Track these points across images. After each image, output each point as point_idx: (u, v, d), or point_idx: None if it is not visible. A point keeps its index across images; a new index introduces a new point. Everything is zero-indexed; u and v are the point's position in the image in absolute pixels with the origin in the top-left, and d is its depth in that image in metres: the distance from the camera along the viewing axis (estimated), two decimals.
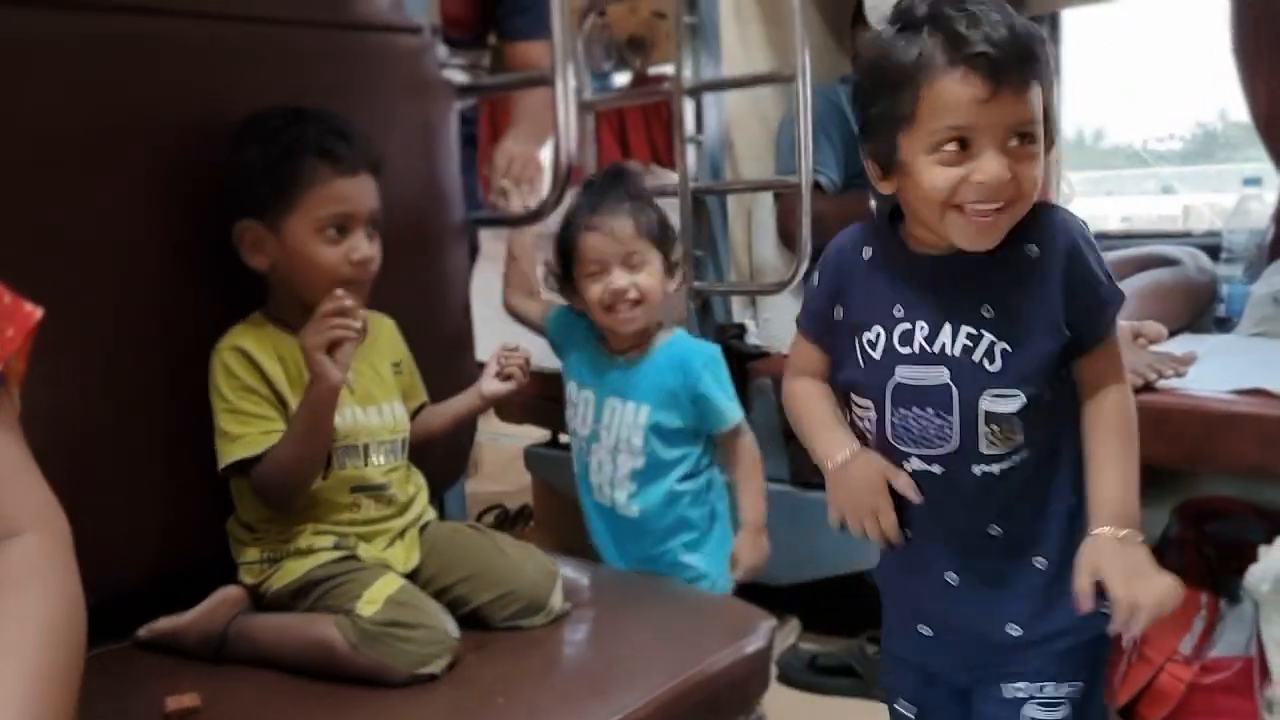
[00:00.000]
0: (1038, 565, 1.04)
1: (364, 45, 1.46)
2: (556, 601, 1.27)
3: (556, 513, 2.63)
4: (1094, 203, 3.62)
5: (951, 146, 0.90)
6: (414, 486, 1.37)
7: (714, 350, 1.51)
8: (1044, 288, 0.96)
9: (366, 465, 1.30)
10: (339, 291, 1.19)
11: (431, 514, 1.39)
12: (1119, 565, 0.94)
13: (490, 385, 1.43)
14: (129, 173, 1.23)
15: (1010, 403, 0.98)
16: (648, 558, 1.50)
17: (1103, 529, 0.97)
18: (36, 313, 0.78)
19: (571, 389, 1.55)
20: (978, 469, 1.00)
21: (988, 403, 0.98)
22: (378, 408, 1.33)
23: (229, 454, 1.23)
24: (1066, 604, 0.99)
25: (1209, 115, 3.09)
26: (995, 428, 0.98)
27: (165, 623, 1.23)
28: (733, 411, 1.49)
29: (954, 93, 0.88)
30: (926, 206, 0.94)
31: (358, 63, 1.44)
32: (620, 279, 1.42)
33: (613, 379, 1.49)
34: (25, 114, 1.15)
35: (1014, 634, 1.05)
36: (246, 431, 1.23)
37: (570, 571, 1.41)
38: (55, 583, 0.74)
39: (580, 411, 1.53)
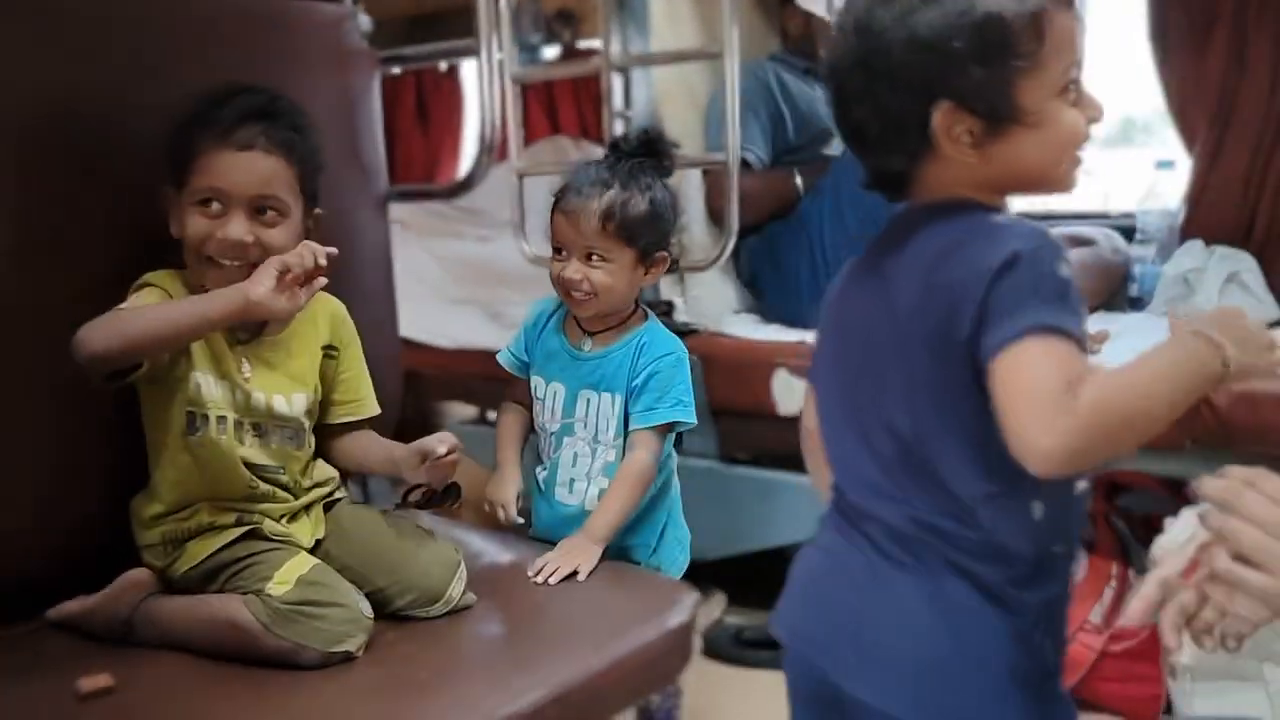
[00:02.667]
0: None
1: (284, 14, 1.43)
2: (455, 592, 1.24)
3: (481, 491, 2.62)
4: (1024, 204, 3.70)
5: (1073, 86, 0.88)
6: (316, 476, 1.34)
7: (680, 347, 1.45)
8: None
9: (262, 447, 1.27)
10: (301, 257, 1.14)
11: (341, 492, 1.37)
12: None
13: (414, 477, 1.30)
14: (37, 142, 1.19)
15: None
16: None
17: None
18: None
19: (539, 384, 1.48)
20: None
21: None
22: (285, 397, 1.29)
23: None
24: None
25: (1127, 101, 3.17)
26: None
27: (72, 605, 1.21)
28: (661, 414, 1.41)
29: (1070, 29, 0.87)
30: (1060, 151, 0.89)
31: (277, 32, 1.42)
32: (574, 270, 1.38)
33: (584, 370, 1.44)
34: None
35: None
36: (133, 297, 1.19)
37: (491, 547, 1.40)
38: None
39: (549, 406, 1.46)
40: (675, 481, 1.52)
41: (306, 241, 1.18)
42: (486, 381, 2.50)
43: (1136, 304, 2.18)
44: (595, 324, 1.44)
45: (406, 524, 1.31)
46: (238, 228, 1.19)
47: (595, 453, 1.44)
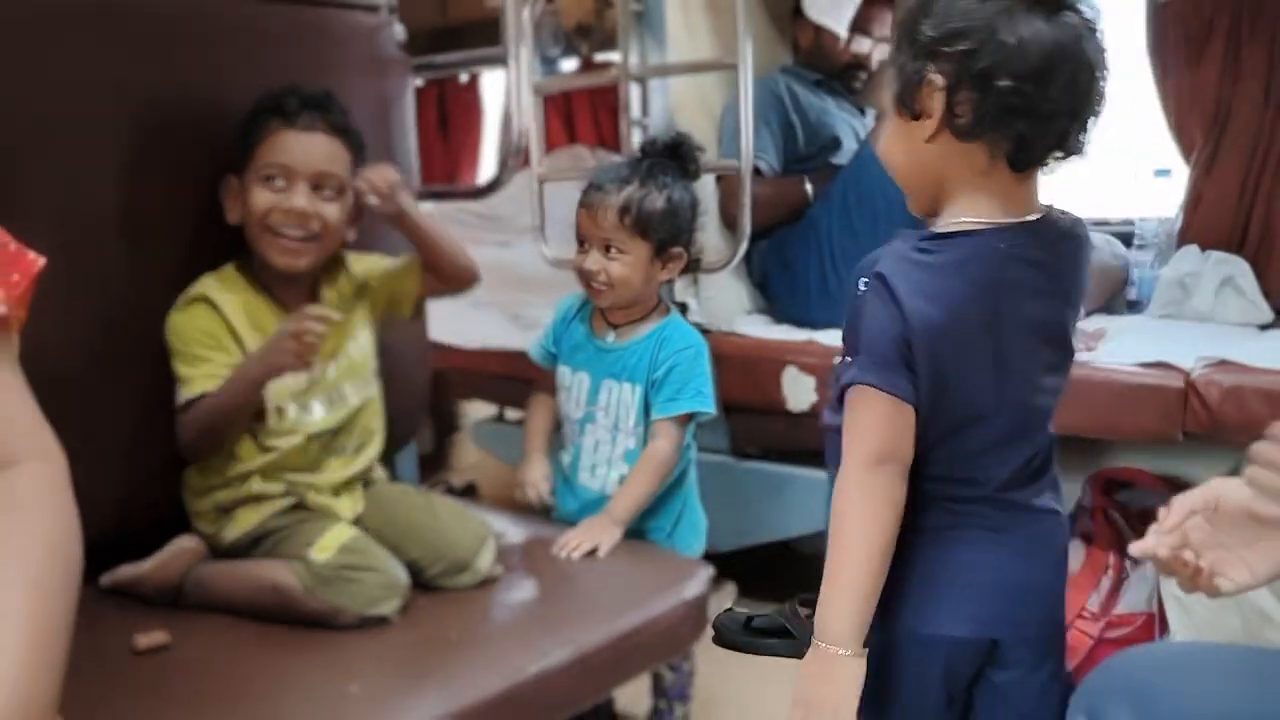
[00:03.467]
0: None
1: (325, 22, 1.51)
2: (484, 564, 1.32)
3: (501, 486, 2.70)
4: None
5: None
6: (367, 432, 1.43)
7: (700, 341, 1.52)
8: None
9: (330, 412, 1.36)
10: (313, 310, 1.25)
11: (380, 472, 1.46)
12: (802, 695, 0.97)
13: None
14: (93, 142, 1.27)
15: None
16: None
17: None
18: (40, 261, 0.83)
19: (564, 372, 1.56)
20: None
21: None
22: (335, 359, 1.38)
23: (181, 394, 1.29)
24: None
25: (1129, 115, 3.23)
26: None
27: (125, 571, 1.28)
28: (682, 404, 1.48)
29: None
30: None
31: (319, 39, 1.50)
32: (593, 261, 1.46)
33: (608, 360, 1.52)
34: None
35: None
36: (193, 374, 1.28)
37: (517, 528, 1.48)
38: (55, 506, 0.80)
39: (574, 394, 1.54)
40: (693, 470, 1.60)
41: (319, 311, 1.26)
42: (507, 380, 2.59)
43: (1134, 306, 2.25)
44: (618, 316, 1.52)
45: (439, 500, 1.39)
46: (300, 198, 1.30)
47: (615, 440, 1.51)
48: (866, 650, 0.93)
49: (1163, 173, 2.33)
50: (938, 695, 1.02)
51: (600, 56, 3.33)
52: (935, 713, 1.03)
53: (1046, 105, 0.87)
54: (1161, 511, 0.95)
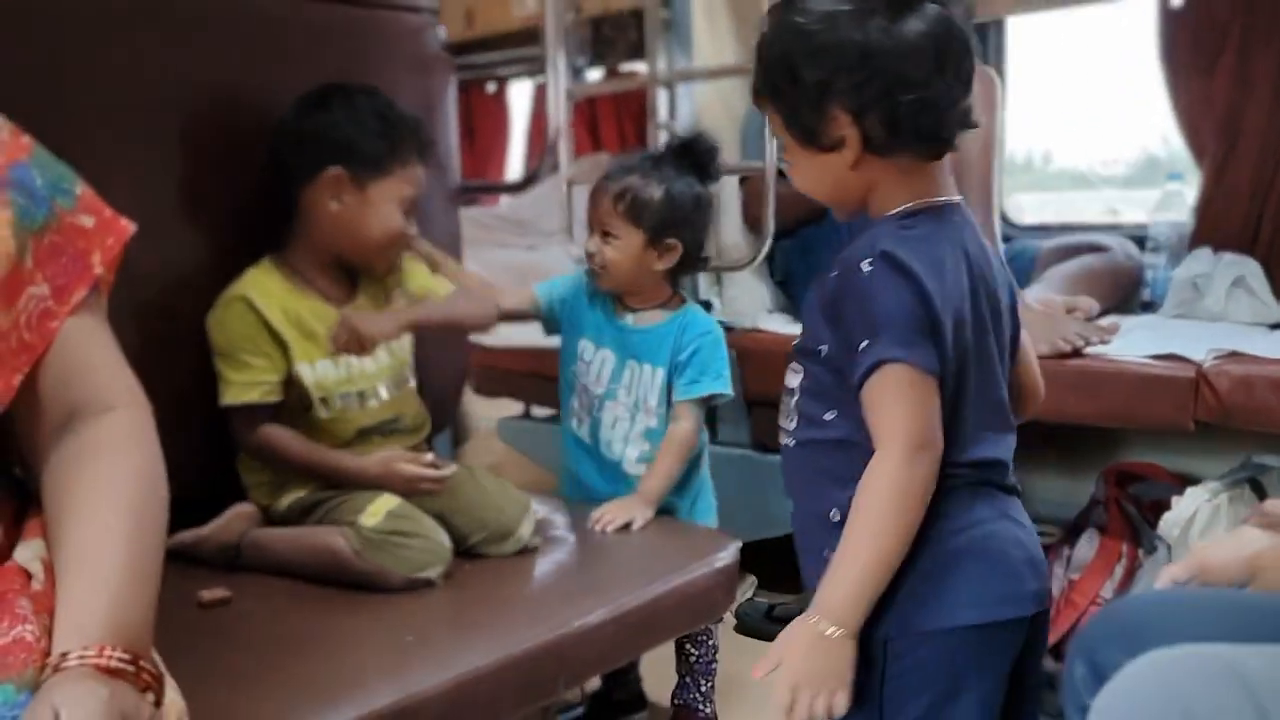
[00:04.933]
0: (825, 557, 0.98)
1: (373, 21, 1.59)
2: (525, 532, 1.38)
3: (525, 483, 2.77)
4: (1045, 219, 3.78)
5: None
6: (419, 411, 1.51)
7: (718, 327, 1.58)
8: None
9: (364, 408, 1.43)
10: (429, 475, 1.36)
11: (429, 455, 1.52)
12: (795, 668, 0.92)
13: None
14: (153, 134, 1.35)
15: (793, 378, 1.04)
16: None
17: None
18: (131, 226, 0.91)
19: (587, 347, 1.60)
20: (782, 439, 1.07)
21: (787, 375, 1.06)
22: (386, 347, 1.46)
23: (223, 396, 1.37)
24: None
25: (1152, 140, 3.26)
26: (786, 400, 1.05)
27: (186, 535, 1.34)
28: (704, 386, 1.54)
29: None
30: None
31: (367, 37, 1.58)
32: (591, 244, 1.54)
33: (631, 342, 1.58)
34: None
35: None
36: (235, 379, 1.36)
37: (551, 509, 1.54)
38: (146, 449, 0.87)
39: (596, 369, 1.59)
40: (706, 451, 1.67)
41: (439, 473, 1.38)
42: (532, 378, 2.65)
43: (1148, 307, 2.31)
44: (632, 301, 1.59)
45: (482, 472, 1.45)
46: (412, 225, 1.44)
47: (634, 418, 1.58)
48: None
49: (1175, 176, 2.39)
50: (996, 684, 1.00)
51: (624, 66, 3.43)
52: (995, 704, 1.01)
53: (946, 96, 0.91)
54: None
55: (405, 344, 1.51)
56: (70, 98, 1.26)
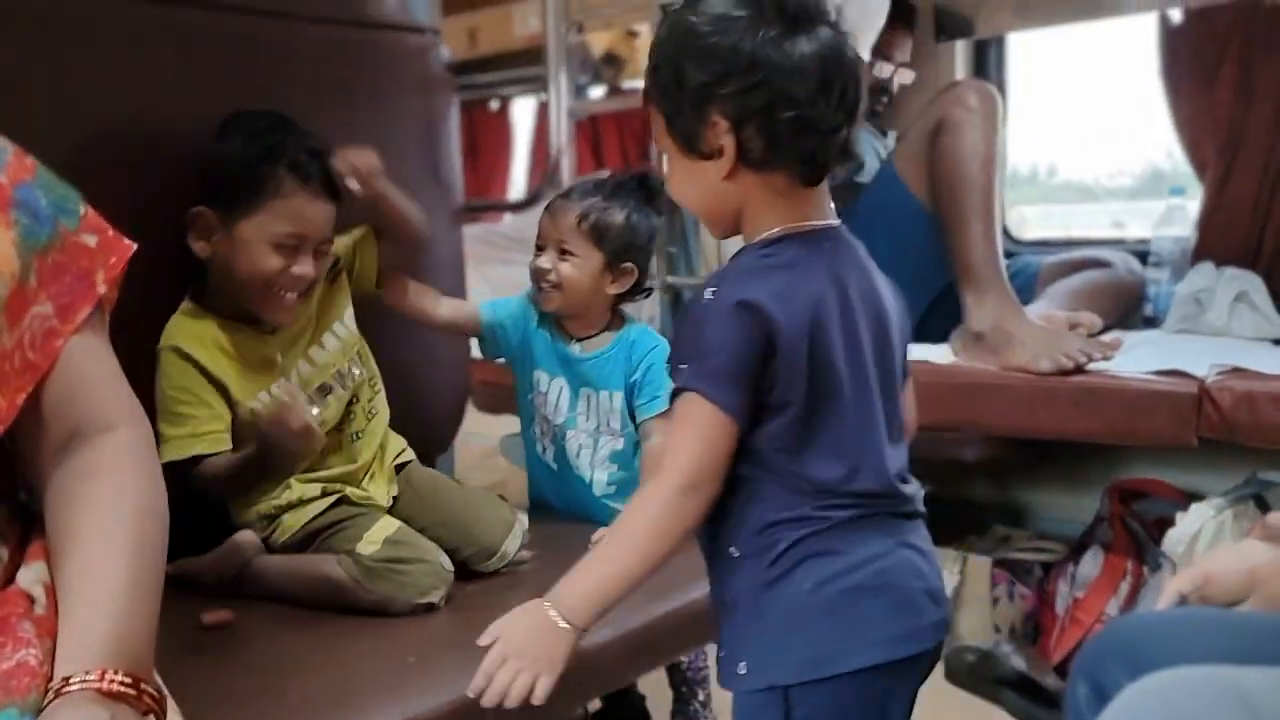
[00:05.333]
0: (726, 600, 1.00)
1: (375, 42, 1.60)
2: (511, 548, 1.37)
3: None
4: (1050, 232, 3.79)
5: None
6: (392, 446, 1.48)
7: (662, 341, 1.58)
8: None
9: (325, 409, 1.39)
10: (277, 392, 1.28)
11: (410, 455, 1.51)
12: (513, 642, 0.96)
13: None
14: (148, 162, 1.34)
15: None
16: None
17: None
18: (132, 246, 0.91)
19: (541, 377, 1.60)
20: None
21: None
22: (319, 343, 1.42)
23: (162, 454, 1.25)
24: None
25: (1157, 153, 3.27)
26: None
27: (187, 563, 1.33)
28: (664, 401, 1.49)
29: None
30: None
31: (369, 58, 1.59)
32: (546, 260, 1.52)
33: (581, 370, 1.57)
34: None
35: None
36: (175, 434, 1.30)
37: (552, 527, 1.54)
38: (147, 468, 0.87)
39: (553, 400, 1.59)
40: None
41: (281, 390, 1.31)
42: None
43: (1151, 322, 2.31)
44: (575, 327, 1.57)
45: (470, 488, 1.45)
46: (309, 265, 1.32)
47: (598, 443, 1.57)
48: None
49: (1177, 191, 2.39)
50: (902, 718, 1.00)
51: (626, 84, 3.44)
52: None
53: (829, 121, 0.89)
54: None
55: (351, 322, 1.46)
56: (69, 123, 1.26)
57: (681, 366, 0.92)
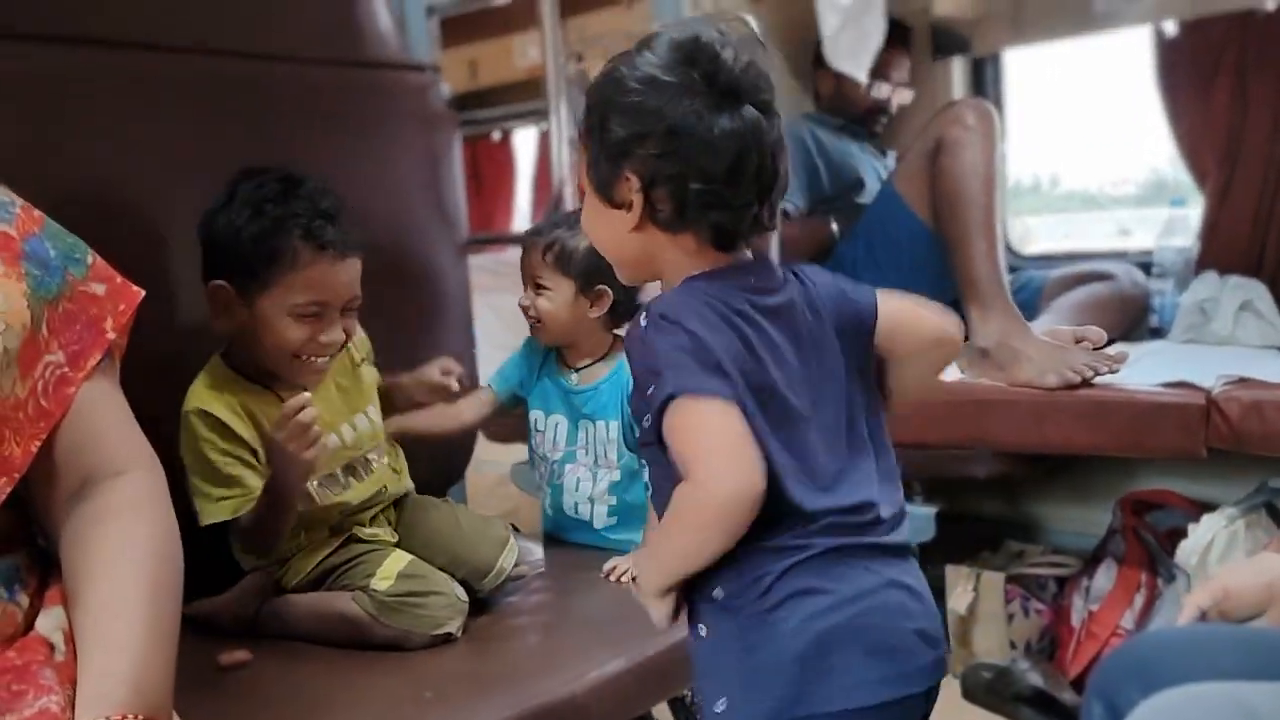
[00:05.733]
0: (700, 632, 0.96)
1: (377, 81, 1.63)
2: (507, 564, 1.36)
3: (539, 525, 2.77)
4: (1051, 246, 3.79)
5: None
6: (397, 473, 1.47)
7: None
8: None
9: (348, 490, 1.37)
10: (300, 405, 1.20)
11: (409, 485, 1.50)
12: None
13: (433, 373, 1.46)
14: (152, 205, 1.37)
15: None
16: None
17: None
18: (140, 293, 0.93)
19: (538, 417, 1.62)
20: None
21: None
22: (349, 424, 1.41)
23: (211, 514, 1.28)
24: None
25: (1161, 160, 3.28)
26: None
27: (203, 604, 1.33)
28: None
29: None
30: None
31: (372, 97, 1.61)
32: (524, 298, 1.56)
33: (579, 402, 1.58)
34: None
35: None
36: (230, 494, 1.28)
37: (567, 558, 1.54)
38: (160, 511, 0.88)
39: (550, 436, 1.61)
40: None
41: (293, 402, 1.22)
42: None
43: (1157, 333, 2.31)
44: (575, 357, 1.59)
45: (462, 510, 1.46)
46: (337, 330, 1.29)
47: (597, 476, 1.58)
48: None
49: (1178, 202, 2.40)
50: None
51: None
52: None
53: (739, 198, 0.89)
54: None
55: (374, 421, 1.45)
56: (73, 171, 1.28)
57: (652, 389, 0.87)
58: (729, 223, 0.90)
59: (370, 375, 1.48)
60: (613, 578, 1.46)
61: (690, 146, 0.87)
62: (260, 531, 1.31)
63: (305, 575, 1.35)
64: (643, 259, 0.95)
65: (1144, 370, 1.92)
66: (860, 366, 0.98)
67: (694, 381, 0.86)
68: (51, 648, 0.81)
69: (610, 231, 0.95)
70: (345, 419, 1.41)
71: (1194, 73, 2.33)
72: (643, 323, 0.91)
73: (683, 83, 0.88)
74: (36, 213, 0.89)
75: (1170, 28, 2.38)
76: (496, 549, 1.38)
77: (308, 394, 1.25)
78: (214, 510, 1.28)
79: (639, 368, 0.91)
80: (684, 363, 0.87)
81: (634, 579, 1.00)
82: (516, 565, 1.39)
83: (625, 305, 1.55)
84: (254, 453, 1.30)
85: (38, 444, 0.84)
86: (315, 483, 1.33)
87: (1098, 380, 1.87)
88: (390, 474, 1.45)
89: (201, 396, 1.30)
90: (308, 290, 1.26)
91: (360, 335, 1.42)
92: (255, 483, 1.29)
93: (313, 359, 1.30)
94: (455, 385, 1.43)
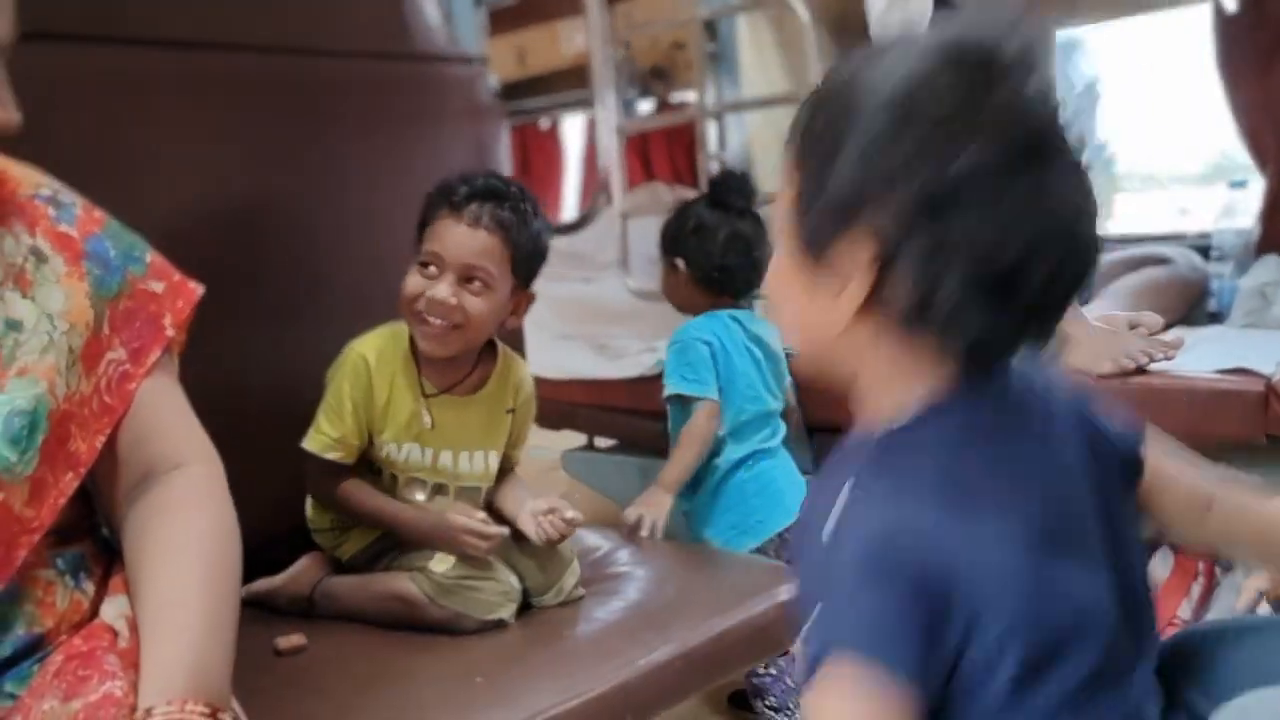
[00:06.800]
0: None
1: (426, 74, 1.64)
2: (568, 585, 1.37)
3: (592, 514, 2.79)
4: (1108, 228, 3.73)
5: None
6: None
7: (678, 331, 1.83)
8: None
9: (438, 503, 1.40)
10: (482, 530, 1.30)
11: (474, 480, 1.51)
12: None
13: (529, 527, 1.40)
14: (212, 203, 1.39)
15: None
16: None
17: None
18: (199, 289, 0.95)
19: None
20: None
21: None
22: (469, 454, 1.42)
23: (309, 439, 1.36)
24: None
25: (1222, 138, 3.23)
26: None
27: (259, 585, 1.38)
28: (671, 385, 1.79)
29: None
30: None
31: (420, 90, 1.63)
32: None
33: None
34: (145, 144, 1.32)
35: None
36: (329, 431, 1.35)
37: (610, 545, 1.56)
38: (219, 503, 0.91)
39: None
40: (724, 469, 1.83)
41: (478, 526, 1.31)
42: (595, 409, 2.68)
43: (1215, 318, 2.26)
44: None
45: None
46: (444, 289, 1.31)
47: None
48: None
49: (1238, 184, 2.35)
50: None
51: (675, 97, 3.46)
52: None
53: (1027, 295, 0.62)
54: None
55: (491, 467, 1.46)
56: (134, 168, 1.31)
57: (816, 613, 0.63)
58: (1001, 329, 0.63)
59: (507, 422, 1.47)
60: (632, 519, 1.64)
61: (969, 218, 0.60)
62: (348, 510, 1.38)
63: (364, 549, 1.39)
64: (844, 353, 0.68)
65: (1201, 356, 1.88)
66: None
67: (872, 638, 0.60)
68: (115, 634, 0.83)
69: (809, 306, 0.67)
70: (469, 448, 1.42)
71: (1254, 50, 2.27)
72: (830, 529, 0.63)
73: (968, 119, 0.60)
74: (97, 212, 0.92)
75: (1230, 4, 2.32)
76: (560, 570, 1.39)
77: (506, 531, 1.35)
78: (311, 438, 1.36)
79: (810, 577, 0.67)
80: (876, 600, 0.60)
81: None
82: (576, 587, 1.39)
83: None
84: (370, 412, 1.36)
85: (102, 439, 0.87)
86: (430, 487, 1.41)
87: (1153, 367, 1.84)
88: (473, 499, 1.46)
89: (368, 342, 1.38)
90: (429, 241, 1.33)
91: (528, 387, 1.47)
92: (354, 438, 1.36)
93: (426, 317, 1.33)
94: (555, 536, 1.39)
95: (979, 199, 0.60)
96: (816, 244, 0.66)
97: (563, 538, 1.39)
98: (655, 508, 1.67)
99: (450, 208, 1.33)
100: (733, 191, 1.84)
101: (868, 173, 0.62)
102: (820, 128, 0.66)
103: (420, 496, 1.40)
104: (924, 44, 0.63)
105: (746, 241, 1.83)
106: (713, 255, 1.82)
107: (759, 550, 1.76)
